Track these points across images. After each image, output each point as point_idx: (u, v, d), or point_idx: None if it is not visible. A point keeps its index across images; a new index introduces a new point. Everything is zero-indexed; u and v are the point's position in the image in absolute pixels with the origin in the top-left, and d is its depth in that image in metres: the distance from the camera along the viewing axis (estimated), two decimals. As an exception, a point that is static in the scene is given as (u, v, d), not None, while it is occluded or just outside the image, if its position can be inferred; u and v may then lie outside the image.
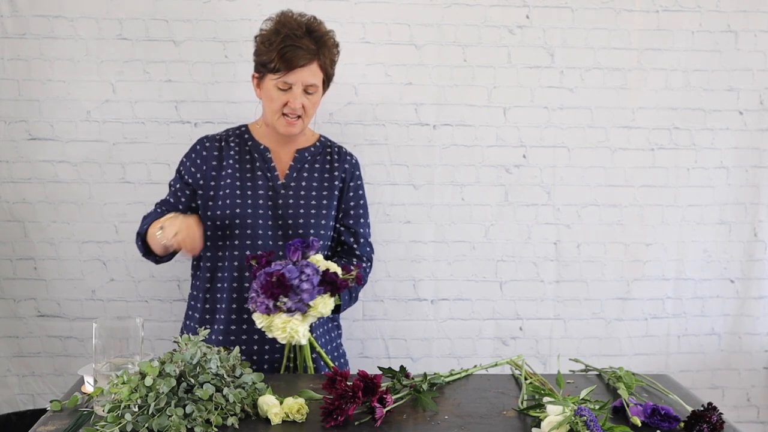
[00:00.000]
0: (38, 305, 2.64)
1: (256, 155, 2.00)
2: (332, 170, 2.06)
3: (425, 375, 1.64)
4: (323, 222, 2.00)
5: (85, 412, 1.49)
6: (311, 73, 1.86)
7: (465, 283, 2.69)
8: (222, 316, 1.95)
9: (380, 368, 1.64)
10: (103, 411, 1.40)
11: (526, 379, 1.68)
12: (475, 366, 1.79)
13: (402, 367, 1.64)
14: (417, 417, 1.51)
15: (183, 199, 2.02)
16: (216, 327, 1.95)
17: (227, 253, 1.95)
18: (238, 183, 1.96)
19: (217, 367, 1.48)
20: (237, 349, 1.59)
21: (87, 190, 2.58)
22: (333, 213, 2.04)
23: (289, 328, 1.62)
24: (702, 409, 1.46)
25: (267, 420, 1.46)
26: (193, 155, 2.02)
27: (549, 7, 2.59)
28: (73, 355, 2.66)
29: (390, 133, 2.61)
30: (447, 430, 1.45)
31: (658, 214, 2.72)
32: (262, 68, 1.90)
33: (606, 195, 2.70)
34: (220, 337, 1.94)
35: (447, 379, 1.71)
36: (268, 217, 1.95)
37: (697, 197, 2.72)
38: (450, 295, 2.70)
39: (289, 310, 1.63)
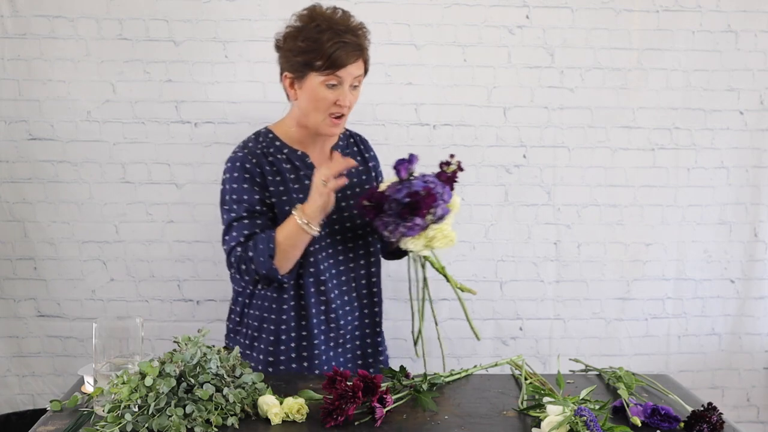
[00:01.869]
0: (38, 305, 2.64)
1: (297, 163, 1.87)
2: (364, 161, 2.02)
3: (425, 375, 1.64)
4: None
5: (85, 412, 1.49)
6: (357, 68, 1.80)
7: (465, 283, 2.68)
8: (314, 321, 1.88)
9: (380, 368, 1.64)
10: (103, 411, 1.40)
11: (526, 379, 1.68)
12: (475, 366, 1.79)
13: (402, 367, 1.64)
14: (417, 417, 1.51)
15: (258, 230, 1.81)
16: (308, 338, 1.89)
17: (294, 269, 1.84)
18: (294, 195, 1.83)
19: (217, 367, 1.48)
20: (237, 348, 1.59)
21: (87, 190, 2.58)
22: None
23: (447, 230, 1.69)
24: (702, 409, 1.46)
25: (267, 420, 1.46)
26: (247, 176, 1.82)
27: (549, 7, 2.59)
28: (73, 355, 2.66)
29: (390, 133, 2.61)
30: (447, 430, 1.45)
31: (658, 214, 2.72)
32: (303, 67, 1.78)
33: (606, 195, 2.70)
34: (313, 346, 1.89)
35: (447, 379, 1.71)
36: (325, 224, 1.84)
37: (697, 197, 2.72)
38: (450, 294, 2.69)
39: (439, 218, 1.68)
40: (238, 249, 1.78)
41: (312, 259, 1.84)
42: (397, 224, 1.70)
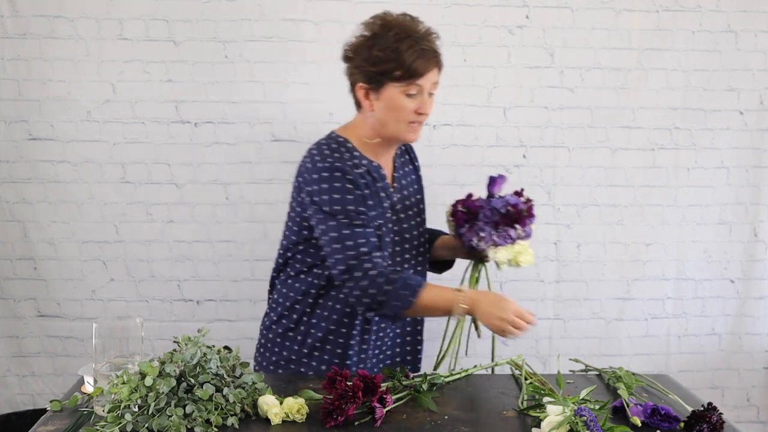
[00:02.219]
0: (38, 305, 2.64)
1: (374, 175, 1.79)
2: (415, 169, 2.00)
3: (425, 375, 1.64)
4: (423, 219, 1.96)
5: (85, 412, 1.49)
6: (435, 74, 1.75)
7: (465, 283, 2.69)
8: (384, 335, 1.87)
9: (382, 368, 1.64)
10: (103, 411, 1.40)
11: (526, 379, 1.68)
12: (475, 366, 1.79)
13: (402, 367, 1.64)
14: (417, 417, 1.51)
15: (374, 239, 1.73)
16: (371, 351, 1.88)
17: None
18: (373, 212, 1.77)
19: (217, 367, 1.48)
20: (237, 348, 1.59)
21: (87, 190, 2.58)
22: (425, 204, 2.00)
23: (530, 250, 1.77)
24: (702, 409, 1.46)
25: (267, 420, 1.46)
26: (350, 186, 1.72)
27: (549, 7, 2.59)
28: (73, 355, 2.66)
29: (390, 133, 2.61)
30: (447, 430, 1.45)
31: (658, 214, 2.72)
32: (381, 77, 1.71)
33: (606, 195, 2.70)
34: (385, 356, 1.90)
35: (447, 379, 1.70)
36: (393, 235, 1.82)
37: (697, 197, 2.72)
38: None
39: (526, 236, 1.77)
40: (354, 263, 1.67)
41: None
42: (490, 233, 1.76)
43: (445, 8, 2.57)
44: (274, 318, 1.90)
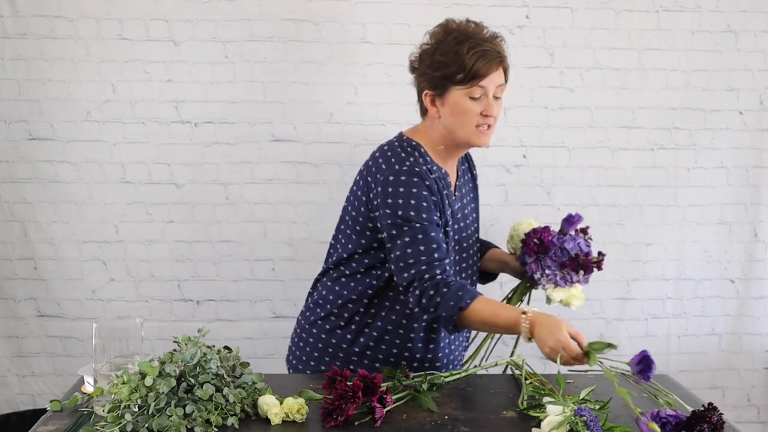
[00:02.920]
0: (38, 305, 2.64)
1: (442, 182, 1.79)
2: (473, 178, 2.00)
3: (425, 375, 1.64)
4: (478, 234, 1.97)
5: (85, 412, 1.49)
6: (499, 76, 1.74)
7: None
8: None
9: (382, 368, 1.64)
10: (103, 411, 1.40)
11: (526, 379, 1.68)
12: (475, 366, 1.79)
13: (402, 367, 1.64)
14: (417, 417, 1.51)
15: (444, 245, 1.74)
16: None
17: None
18: (446, 218, 1.78)
19: (217, 367, 1.48)
20: (237, 348, 1.59)
21: (87, 190, 2.58)
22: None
23: (582, 294, 1.82)
24: (702, 409, 1.46)
25: (267, 420, 1.46)
26: (425, 193, 1.72)
27: (549, 7, 2.59)
28: (73, 355, 2.66)
29: (391, 133, 2.57)
30: (447, 430, 1.45)
31: (658, 214, 2.72)
32: (444, 82, 1.71)
33: (606, 195, 2.70)
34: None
35: (447, 379, 1.70)
36: (452, 241, 1.82)
37: (697, 197, 2.72)
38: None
39: (585, 281, 1.84)
40: (425, 269, 1.67)
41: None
42: (555, 273, 1.82)
43: (444, 8, 2.56)
44: (321, 314, 1.88)
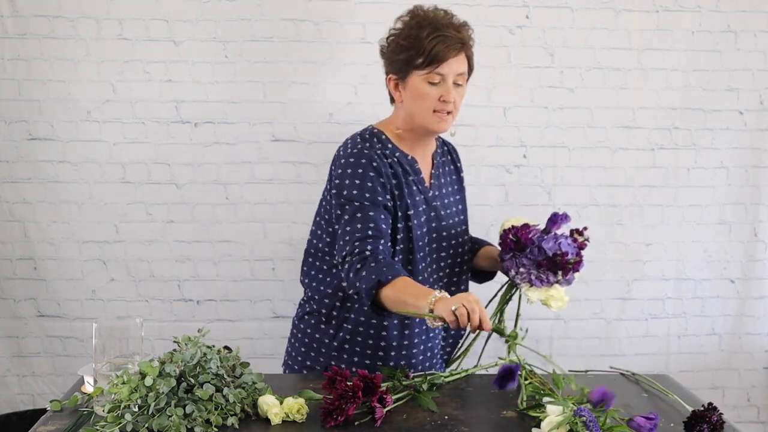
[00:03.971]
0: (38, 305, 2.64)
1: (407, 168, 1.81)
2: (457, 170, 1.99)
3: (425, 375, 1.64)
4: (465, 227, 1.96)
5: (85, 412, 1.49)
6: (460, 63, 1.75)
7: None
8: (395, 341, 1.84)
9: (381, 368, 1.64)
10: (103, 411, 1.40)
11: (526, 379, 1.68)
12: (475, 366, 1.79)
13: (402, 367, 1.64)
14: (417, 417, 1.51)
15: (384, 226, 1.72)
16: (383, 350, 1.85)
17: None
18: (408, 201, 1.78)
19: (217, 367, 1.48)
20: (237, 348, 1.59)
21: (87, 190, 2.58)
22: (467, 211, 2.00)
23: (565, 297, 1.74)
24: (702, 409, 1.46)
25: (267, 420, 1.46)
26: (372, 174, 1.74)
27: (549, 7, 2.59)
28: (73, 355, 2.66)
29: (390, 133, 2.61)
30: (447, 430, 1.45)
31: (658, 214, 2.72)
32: (405, 66, 1.74)
33: (606, 195, 2.70)
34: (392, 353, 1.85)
35: (447, 379, 1.70)
36: (426, 232, 1.83)
37: (697, 197, 2.72)
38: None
39: (566, 283, 1.74)
40: (358, 244, 1.66)
41: (411, 268, 1.80)
42: (530, 271, 1.74)
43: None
44: (307, 310, 1.90)
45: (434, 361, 1.92)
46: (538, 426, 1.44)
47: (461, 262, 1.93)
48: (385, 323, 1.80)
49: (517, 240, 1.76)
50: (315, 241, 1.88)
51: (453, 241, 1.90)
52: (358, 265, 1.64)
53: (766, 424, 2.88)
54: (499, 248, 1.83)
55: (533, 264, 1.73)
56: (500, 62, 2.61)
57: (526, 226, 1.78)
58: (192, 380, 1.43)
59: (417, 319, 1.81)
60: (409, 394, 1.58)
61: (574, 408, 1.39)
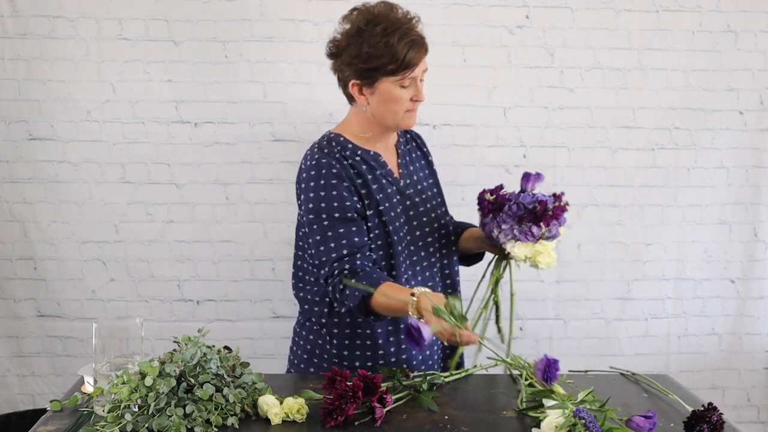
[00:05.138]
0: (38, 305, 2.64)
1: (372, 163, 1.81)
2: (424, 155, 2.00)
3: (425, 375, 1.64)
4: (444, 208, 1.96)
5: (85, 412, 1.49)
6: (425, 61, 1.76)
7: (465, 283, 2.68)
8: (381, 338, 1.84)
9: (380, 368, 1.64)
10: (103, 411, 1.40)
11: (526, 379, 1.68)
12: (475, 366, 1.79)
13: (402, 367, 1.64)
14: (417, 417, 1.51)
15: (357, 238, 1.72)
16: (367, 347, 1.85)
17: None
18: (377, 196, 1.78)
19: (217, 367, 1.48)
20: (237, 348, 1.59)
21: (87, 190, 2.58)
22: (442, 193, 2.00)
23: (552, 252, 1.71)
24: (702, 409, 1.46)
25: (267, 420, 1.46)
26: (334, 181, 1.73)
27: (549, 7, 2.59)
28: (73, 355, 2.66)
29: (390, 133, 2.61)
30: (447, 430, 1.45)
31: (658, 214, 2.72)
32: (373, 73, 1.71)
33: (606, 195, 2.70)
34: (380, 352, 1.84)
35: (447, 379, 1.70)
36: (404, 222, 1.83)
37: (697, 197, 2.72)
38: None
39: (550, 237, 1.71)
40: (336, 265, 1.68)
41: (393, 262, 1.80)
42: (512, 227, 1.72)
43: (444, 8, 2.57)
44: (303, 318, 1.92)
45: (435, 358, 1.92)
46: (538, 426, 1.44)
47: (447, 243, 1.93)
48: (374, 325, 1.80)
49: (495, 200, 1.76)
50: (300, 253, 1.89)
51: (435, 224, 1.90)
52: (341, 286, 1.67)
53: (766, 424, 2.88)
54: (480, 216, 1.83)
55: (514, 219, 1.72)
56: (500, 62, 2.61)
57: (501, 187, 1.80)
58: (192, 380, 1.43)
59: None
60: (409, 394, 1.58)
61: (573, 408, 1.39)
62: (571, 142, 2.67)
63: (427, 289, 1.56)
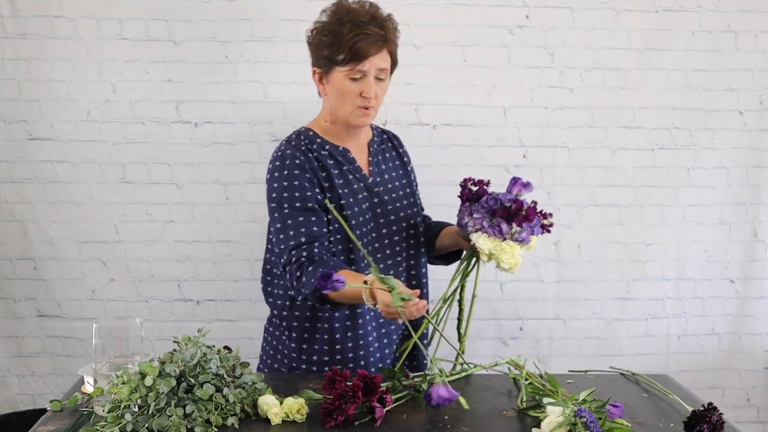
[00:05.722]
0: (38, 305, 2.64)
1: (340, 158, 1.83)
2: (399, 156, 2.00)
3: (425, 375, 1.64)
4: (416, 209, 1.96)
5: (85, 412, 1.49)
6: (381, 59, 1.77)
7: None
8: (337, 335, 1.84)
9: (380, 368, 1.64)
10: (103, 411, 1.40)
11: (526, 379, 1.68)
12: (475, 366, 1.79)
13: (402, 367, 1.64)
14: (417, 417, 1.51)
15: (316, 228, 1.74)
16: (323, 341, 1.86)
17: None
18: (340, 191, 1.79)
19: (217, 367, 1.48)
20: (237, 348, 1.59)
21: (87, 190, 2.58)
22: (418, 195, 2.01)
23: (517, 255, 1.69)
24: (702, 409, 1.46)
25: (267, 420, 1.46)
26: (297, 172, 1.76)
27: (549, 7, 2.59)
28: (73, 355, 2.66)
29: (390, 133, 2.61)
30: (447, 430, 1.45)
31: (658, 214, 2.72)
32: (327, 62, 1.76)
33: (606, 195, 2.70)
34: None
35: (447, 380, 1.70)
36: (370, 219, 1.84)
37: (697, 197, 2.72)
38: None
39: (519, 240, 1.70)
40: (294, 253, 1.70)
41: (353, 257, 1.81)
42: (483, 218, 1.73)
43: (444, 8, 2.57)
44: (272, 318, 1.94)
45: (389, 353, 1.91)
46: (538, 426, 1.44)
47: (416, 243, 1.94)
48: (332, 320, 1.81)
49: (475, 191, 1.78)
50: (269, 247, 1.90)
51: (404, 224, 1.91)
52: (297, 273, 1.69)
53: (766, 424, 2.88)
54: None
55: (488, 212, 1.73)
56: (500, 62, 2.61)
57: (488, 182, 1.81)
58: (192, 380, 1.43)
59: (366, 308, 1.81)
60: (409, 394, 1.58)
61: (574, 408, 1.39)
62: (571, 142, 2.67)
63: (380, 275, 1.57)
